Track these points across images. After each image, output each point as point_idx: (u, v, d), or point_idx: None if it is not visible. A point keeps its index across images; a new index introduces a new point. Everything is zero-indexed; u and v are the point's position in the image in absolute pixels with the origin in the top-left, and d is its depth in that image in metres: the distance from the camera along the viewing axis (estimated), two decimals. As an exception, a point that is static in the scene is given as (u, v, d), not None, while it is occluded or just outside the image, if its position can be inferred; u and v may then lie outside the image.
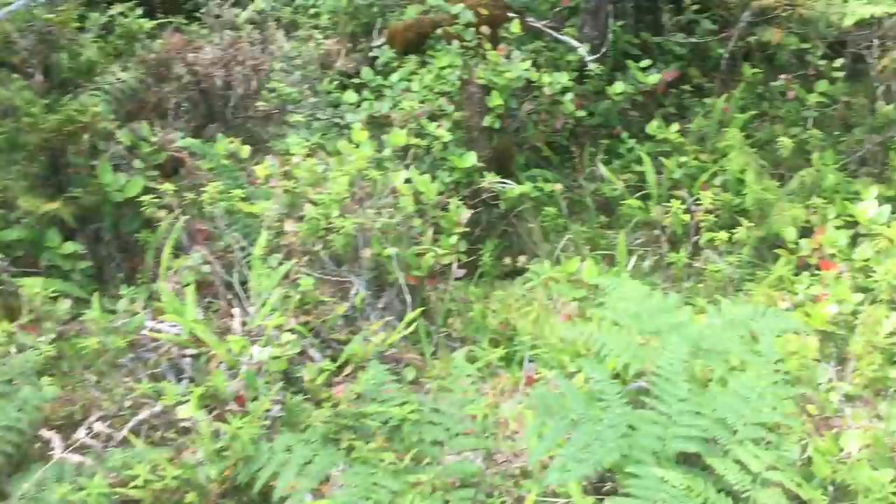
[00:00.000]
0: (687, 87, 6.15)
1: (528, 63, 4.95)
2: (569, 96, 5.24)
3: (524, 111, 5.26)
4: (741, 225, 4.90)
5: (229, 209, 3.58)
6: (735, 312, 2.89)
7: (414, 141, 4.33)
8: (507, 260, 5.33)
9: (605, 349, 2.58)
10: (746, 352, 2.67)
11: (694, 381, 2.52)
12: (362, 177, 3.56)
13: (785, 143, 4.66)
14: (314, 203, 3.40)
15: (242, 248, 3.54)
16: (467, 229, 5.18)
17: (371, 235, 3.60)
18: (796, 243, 4.18)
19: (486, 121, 4.92)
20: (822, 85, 5.50)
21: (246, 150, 3.91)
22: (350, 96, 5.64)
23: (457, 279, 3.90)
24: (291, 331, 3.15)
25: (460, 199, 4.90)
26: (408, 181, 3.89)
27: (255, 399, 2.78)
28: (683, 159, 5.41)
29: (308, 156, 3.66)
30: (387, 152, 4.04)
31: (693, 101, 6.36)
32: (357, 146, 3.75)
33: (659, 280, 5.13)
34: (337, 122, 5.58)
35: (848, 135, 5.46)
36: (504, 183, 5.18)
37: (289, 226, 3.46)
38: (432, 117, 5.21)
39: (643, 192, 5.54)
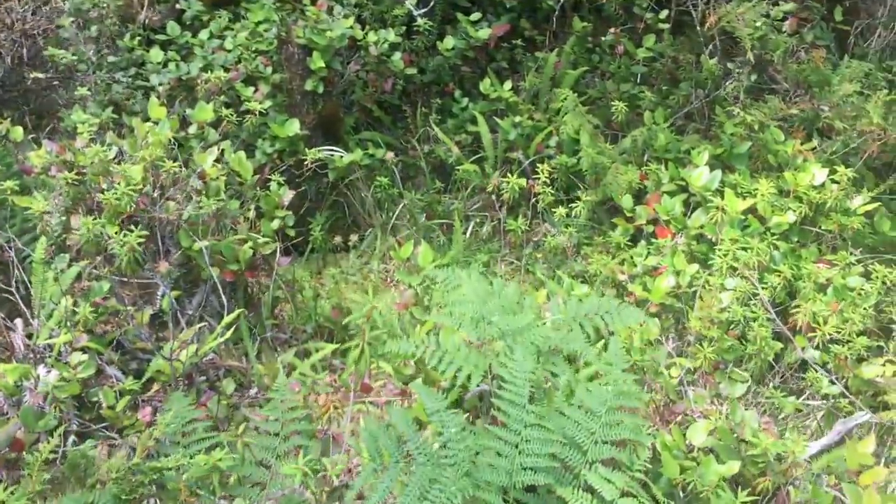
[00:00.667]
0: (519, 41, 5.89)
1: (352, 20, 4.52)
2: (397, 54, 4.87)
3: (350, 72, 4.83)
4: (578, 187, 4.77)
5: (1, 202, 3.01)
6: (579, 308, 2.67)
7: (226, 112, 3.85)
8: (340, 235, 5.01)
9: (443, 363, 2.30)
10: (593, 353, 2.47)
11: (540, 394, 2.29)
12: (158, 164, 3.07)
13: (618, 108, 4.50)
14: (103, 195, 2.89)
15: (21, 250, 2.99)
16: (296, 202, 4.83)
17: (177, 228, 3.13)
18: (633, 210, 4.06)
19: (309, 84, 4.49)
20: (649, 39, 5.39)
21: (18, 132, 3.31)
22: (156, 54, 5.02)
23: (286, 259, 3.50)
24: (83, 349, 2.67)
25: (283, 172, 4.50)
26: (218, 161, 3.44)
27: (35, 443, 2.32)
28: (518, 119, 5.18)
29: (92, 140, 3.12)
30: (193, 129, 3.54)
31: (526, 55, 6.13)
32: (156, 123, 3.24)
33: (497, 246, 4.95)
34: (143, 84, 4.97)
35: (676, 90, 5.39)
36: (333, 151, 4.79)
37: (75, 222, 2.94)
38: (248, 81, 4.72)
39: (479, 154, 5.30)
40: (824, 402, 3.26)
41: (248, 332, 3.39)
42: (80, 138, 3.13)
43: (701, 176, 3.82)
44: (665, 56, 5.52)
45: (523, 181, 4.86)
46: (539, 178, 4.18)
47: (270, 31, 4.55)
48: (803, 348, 3.41)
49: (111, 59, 5.18)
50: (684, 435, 2.63)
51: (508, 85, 5.35)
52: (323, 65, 4.41)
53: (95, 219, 2.83)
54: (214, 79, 4.38)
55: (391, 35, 4.87)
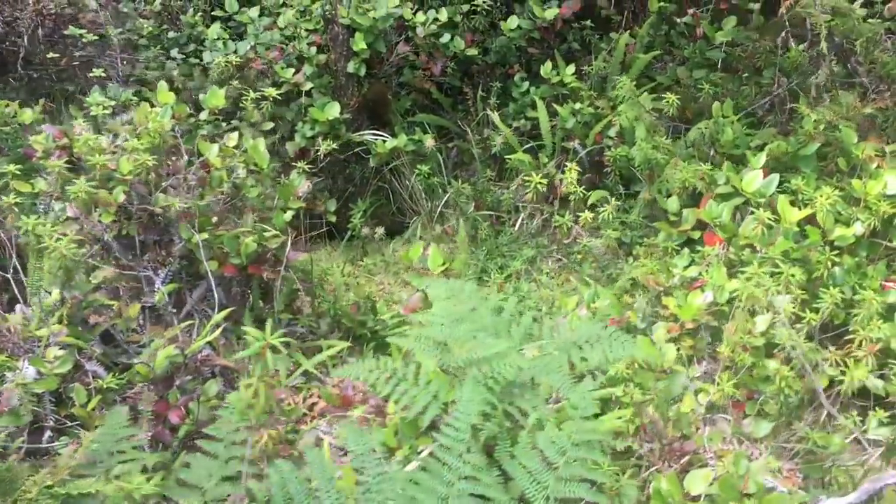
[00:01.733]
0: (589, 21, 5.50)
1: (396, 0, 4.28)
2: (447, 35, 4.60)
3: (399, 53, 4.60)
4: (639, 181, 4.41)
5: (3, 186, 2.95)
6: (574, 333, 2.38)
7: (269, 91, 3.70)
8: (383, 222, 4.83)
9: (396, 393, 2.07)
10: (573, 389, 2.18)
11: (503, 436, 2.03)
12: (158, 151, 2.94)
13: (670, 99, 4.10)
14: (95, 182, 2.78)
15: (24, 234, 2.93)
16: (342, 187, 4.67)
17: (181, 219, 3.00)
18: (678, 213, 3.68)
19: (351, 66, 4.30)
20: (729, 21, 4.91)
21: (27, 115, 3.25)
22: (213, 31, 4.94)
23: (297, 254, 3.34)
24: (62, 346, 2.58)
25: (328, 156, 4.34)
26: (237, 148, 3.29)
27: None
28: (578, 106, 4.83)
29: (95, 125, 3.02)
30: (204, 114, 3.41)
31: (600, 36, 5.72)
32: (164, 108, 3.12)
33: (546, 241, 4.66)
34: (197, 62, 4.89)
35: (758, 78, 4.90)
36: (377, 135, 4.59)
37: (71, 211, 2.85)
38: (297, 61, 4.56)
39: (538, 141, 4.99)
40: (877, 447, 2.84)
41: (252, 327, 3.24)
42: (80, 123, 3.04)
43: (754, 179, 3.41)
44: (750, 40, 5.02)
45: (573, 174, 4.54)
46: (565, 178, 3.85)
47: (319, 9, 4.36)
48: (863, 378, 3.00)
49: (171, 34, 5.12)
50: (682, 483, 2.32)
51: (571, 69, 4.98)
52: (365, 46, 4.20)
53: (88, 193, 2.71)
54: (258, 58, 4.25)
55: (443, 15, 4.60)
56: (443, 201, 4.66)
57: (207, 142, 3.21)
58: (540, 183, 4.46)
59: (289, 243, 3.34)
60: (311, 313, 3.61)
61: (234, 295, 3.42)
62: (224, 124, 3.60)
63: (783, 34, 3.78)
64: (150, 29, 5.04)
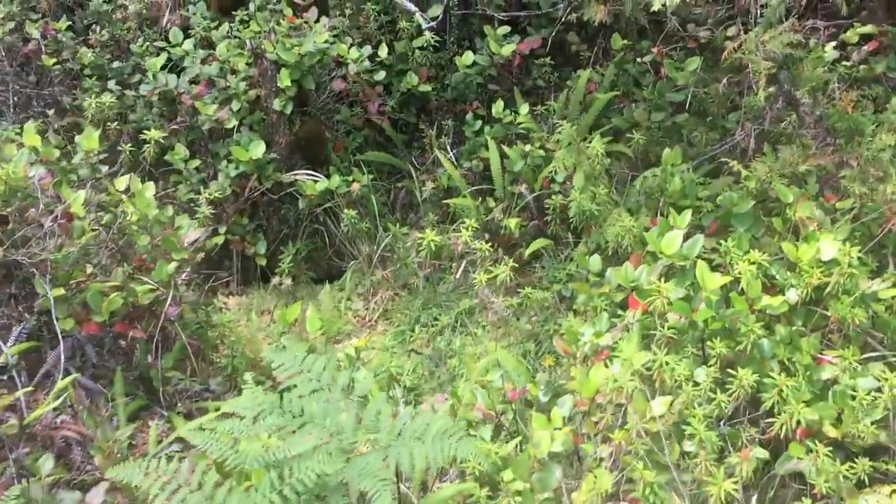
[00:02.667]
0: (549, 58, 5.23)
1: (327, 34, 4.04)
2: (381, 74, 4.37)
3: (332, 91, 4.37)
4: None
5: None
6: (410, 426, 2.10)
7: (153, 135, 3.48)
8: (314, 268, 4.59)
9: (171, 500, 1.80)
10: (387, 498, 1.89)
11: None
12: (10, 198, 2.73)
13: (620, 146, 3.82)
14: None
15: None
16: (276, 228, 4.44)
17: (40, 271, 2.78)
18: (599, 275, 3.38)
19: (277, 104, 4.07)
20: (692, 62, 4.60)
21: None
22: (158, 62, 4.76)
23: (175, 310, 3.09)
24: None
25: (259, 194, 4.13)
26: (126, 192, 3.08)
27: None
28: (528, 148, 4.55)
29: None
30: (77, 158, 3.20)
31: (570, 72, 5.45)
32: (19, 153, 2.90)
33: (488, 292, 4.37)
34: (135, 94, 4.71)
35: (723, 122, 4.59)
36: (310, 175, 4.36)
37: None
38: (228, 98, 4.35)
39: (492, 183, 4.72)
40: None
41: (122, 391, 3.01)
42: None
43: (674, 240, 3.10)
44: (716, 81, 4.70)
45: (514, 221, 4.27)
46: (461, 236, 3.57)
47: (252, 44, 4.15)
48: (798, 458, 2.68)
49: (115, 64, 4.96)
50: None
51: (525, 108, 4.71)
52: (290, 83, 3.97)
53: None
54: (187, 94, 4.07)
55: (382, 51, 4.37)
56: (380, 247, 4.39)
57: (76, 188, 3.00)
58: (474, 229, 4.19)
59: (170, 297, 3.09)
60: (205, 370, 3.36)
61: (112, 353, 3.18)
62: (105, 168, 3.39)
63: (727, 80, 3.45)
64: (92, 58, 4.87)
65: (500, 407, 3.04)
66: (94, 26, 5.38)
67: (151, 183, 3.28)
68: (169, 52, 4.77)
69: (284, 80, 3.98)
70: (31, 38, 4.94)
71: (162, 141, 4.08)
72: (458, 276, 4.43)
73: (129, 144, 3.73)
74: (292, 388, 2.29)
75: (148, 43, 5.05)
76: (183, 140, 4.51)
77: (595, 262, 3.38)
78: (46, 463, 2.56)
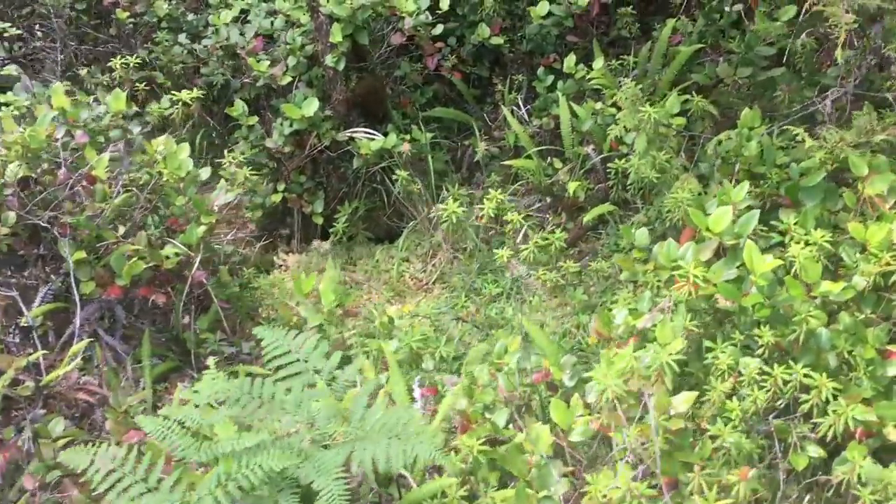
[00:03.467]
0: (631, 7, 4.86)
1: (383, -14, 3.87)
2: (440, 27, 4.17)
3: (390, 45, 4.21)
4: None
5: None
6: (376, 419, 1.97)
7: (181, 96, 3.44)
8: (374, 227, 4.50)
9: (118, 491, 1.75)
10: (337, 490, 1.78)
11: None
12: (35, 160, 2.74)
13: (696, 103, 3.51)
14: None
15: None
16: (335, 186, 4.37)
17: (65, 233, 2.80)
18: (644, 251, 3.12)
19: (329, 59, 3.94)
20: (788, 11, 4.14)
21: None
22: (226, 16, 4.73)
23: (203, 274, 3.08)
24: None
25: (318, 151, 4.07)
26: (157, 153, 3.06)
27: None
28: (599, 106, 4.26)
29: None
30: (106, 119, 3.18)
31: (658, 20, 5.06)
32: (42, 116, 2.90)
33: (545, 258, 4.15)
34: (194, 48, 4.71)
35: (821, 77, 4.14)
36: (368, 133, 4.24)
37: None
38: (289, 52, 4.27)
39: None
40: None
41: (148, 353, 3.02)
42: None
43: (722, 217, 2.79)
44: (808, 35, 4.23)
45: (579, 183, 4.03)
46: (483, 208, 3.34)
47: (309, -5, 4.04)
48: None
49: (190, 17, 4.97)
50: None
51: (600, 62, 4.39)
52: (341, 38, 3.83)
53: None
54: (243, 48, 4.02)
55: (444, 3, 4.16)
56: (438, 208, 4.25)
57: (98, 150, 2.98)
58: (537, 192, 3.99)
59: (196, 261, 3.07)
60: (241, 333, 3.35)
61: (146, 313, 3.21)
62: (138, 128, 3.37)
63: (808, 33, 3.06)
64: (167, 10, 4.88)
65: (524, 390, 2.87)
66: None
67: (186, 144, 3.23)
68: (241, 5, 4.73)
69: (336, 34, 3.85)
70: (109, -9, 4.98)
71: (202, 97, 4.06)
72: (518, 240, 4.22)
73: (197, 97, 3.70)
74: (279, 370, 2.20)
75: (224, -4, 5.01)
76: (247, 95, 4.47)
77: (642, 235, 3.12)
78: (57, 425, 2.58)
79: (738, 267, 2.80)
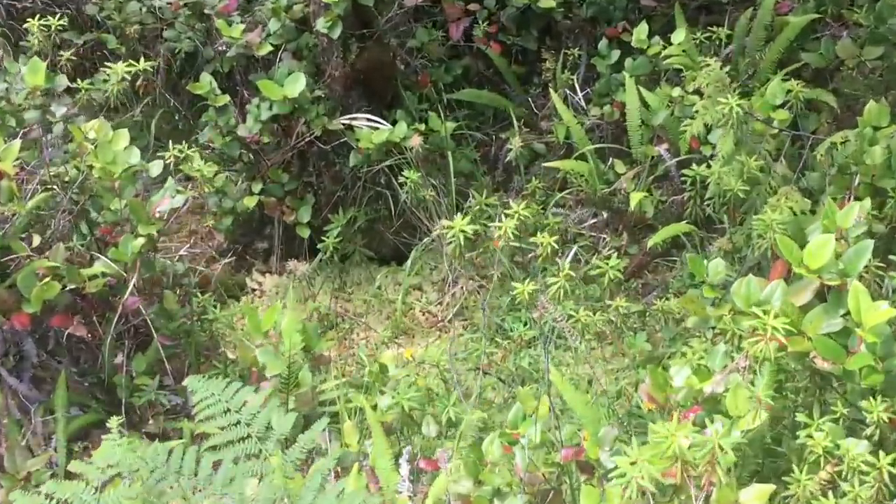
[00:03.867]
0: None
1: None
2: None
3: (403, 8, 4.20)
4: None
5: None
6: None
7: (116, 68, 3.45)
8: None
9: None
10: None
11: None
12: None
13: (794, 91, 3.43)
14: None
15: None
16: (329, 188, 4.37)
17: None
18: (717, 289, 3.03)
19: (321, 24, 3.94)
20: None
21: None
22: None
23: (135, 300, 3.08)
24: None
25: (294, 145, 4.09)
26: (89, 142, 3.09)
27: None
28: (677, 93, 4.19)
29: None
30: (20, 97, 3.21)
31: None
32: None
33: (596, 292, 4.10)
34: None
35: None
36: (373, 123, 4.22)
37: None
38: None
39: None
40: None
41: (64, 401, 3.03)
42: None
43: (822, 249, 2.69)
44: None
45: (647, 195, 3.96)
46: (501, 228, 3.27)
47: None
48: None
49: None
50: None
51: (681, 35, 4.30)
52: (338, -1, 3.83)
53: None
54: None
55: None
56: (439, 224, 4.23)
57: (7, 137, 3.00)
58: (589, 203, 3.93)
59: (131, 284, 3.06)
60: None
61: (67, 350, 3.22)
62: (63, 109, 3.37)
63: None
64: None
65: (549, 471, 2.80)
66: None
67: (124, 130, 3.23)
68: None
69: (325, -10, 3.85)
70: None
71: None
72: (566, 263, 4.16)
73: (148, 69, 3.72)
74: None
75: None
76: (219, 68, 4.49)
77: (716, 268, 3.03)
78: None
79: (842, 316, 2.70)
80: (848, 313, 2.69)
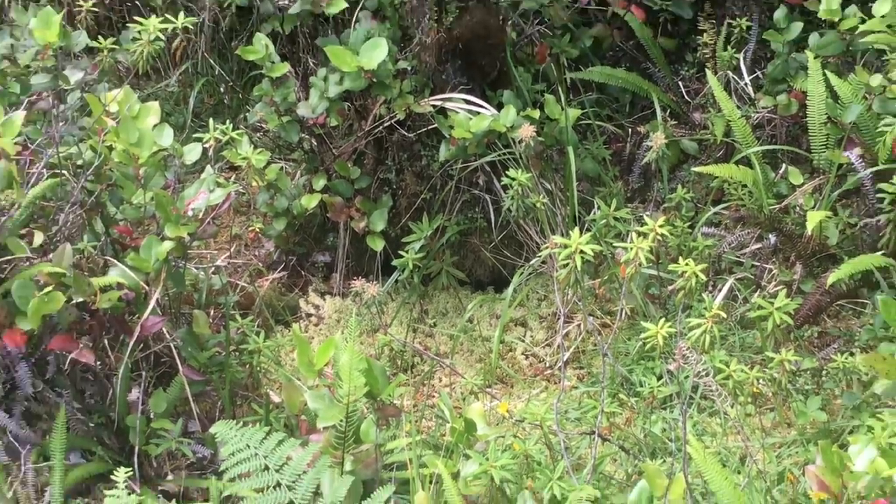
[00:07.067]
0: None
1: None
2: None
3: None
4: None
5: None
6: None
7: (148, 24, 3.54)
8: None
9: None
10: None
11: None
12: None
13: None
14: None
15: None
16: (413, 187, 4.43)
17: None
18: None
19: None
20: None
21: None
22: None
23: (157, 321, 3.16)
24: None
25: (370, 132, 4.16)
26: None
27: None
28: (877, 81, 4.16)
29: None
30: (25, 57, 3.32)
31: None
32: None
33: (761, 342, 4.07)
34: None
35: None
36: (473, 105, 4.27)
37: None
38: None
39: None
40: None
41: (62, 446, 3.12)
42: None
43: None
44: None
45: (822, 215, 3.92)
46: (632, 250, 3.25)
47: None
48: None
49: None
50: None
51: (887, 5, 4.26)
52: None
53: None
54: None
55: None
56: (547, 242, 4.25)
57: (7, 109, 3.10)
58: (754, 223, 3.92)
59: (153, 300, 3.15)
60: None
61: (71, 379, 3.32)
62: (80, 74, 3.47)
63: None
64: None
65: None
66: None
67: (155, 104, 3.32)
68: None
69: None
70: None
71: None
72: (717, 300, 4.14)
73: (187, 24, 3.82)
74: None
75: None
76: (278, 29, 4.59)
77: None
78: None
79: None
80: None
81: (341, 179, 4.39)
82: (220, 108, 4.96)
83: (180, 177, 3.57)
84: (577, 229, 3.52)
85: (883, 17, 4.17)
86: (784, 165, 4.38)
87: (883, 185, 3.81)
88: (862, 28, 4.19)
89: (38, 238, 3.20)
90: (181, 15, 3.79)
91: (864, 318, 4.09)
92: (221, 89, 4.99)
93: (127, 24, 4.09)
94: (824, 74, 4.31)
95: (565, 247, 3.38)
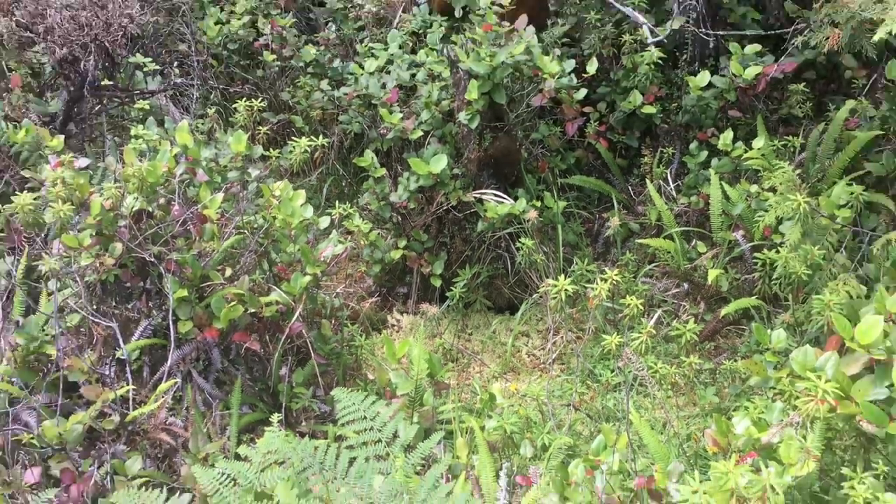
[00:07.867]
0: (803, 84, 4.70)
1: (523, 45, 3.91)
2: (582, 92, 4.15)
3: (530, 106, 4.24)
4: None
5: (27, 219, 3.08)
6: None
7: (300, 144, 3.56)
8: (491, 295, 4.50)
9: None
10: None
11: None
12: (150, 195, 2.92)
13: (853, 194, 3.32)
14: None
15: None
16: (459, 247, 4.40)
17: (164, 270, 2.96)
18: (779, 355, 2.94)
19: (463, 116, 4.02)
20: None
21: (55, 142, 3.37)
22: (370, 64, 4.94)
23: (300, 326, 3.16)
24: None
25: (436, 211, 4.15)
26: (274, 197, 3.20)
27: None
28: (754, 189, 4.12)
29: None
30: (225, 160, 3.34)
31: (837, 100, 4.88)
32: (162, 152, 3.09)
33: (677, 351, 4.01)
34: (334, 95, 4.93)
35: None
36: (499, 197, 4.26)
37: (56, 246, 2.93)
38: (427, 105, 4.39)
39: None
40: None
41: (238, 401, 3.12)
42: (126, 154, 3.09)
43: (871, 328, 2.59)
44: None
45: (720, 274, 3.87)
46: (597, 290, 3.22)
47: (444, 51, 4.17)
48: None
49: (336, 63, 5.20)
50: None
51: (760, 142, 4.24)
52: (477, 96, 3.90)
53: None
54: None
55: (592, 67, 4.17)
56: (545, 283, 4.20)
57: (214, 190, 3.13)
58: (674, 277, 3.87)
59: (297, 312, 3.15)
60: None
61: (244, 359, 3.32)
62: (256, 171, 3.52)
63: None
64: (314, 55, 5.12)
65: (625, 493, 2.74)
66: (329, 24, 5.69)
67: (302, 191, 3.35)
68: (381, 55, 4.92)
69: (472, 91, 3.92)
70: (262, 34, 5.30)
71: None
72: (651, 323, 4.09)
73: (323, 144, 3.85)
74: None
75: (371, 45, 5.24)
76: (380, 147, 4.62)
77: (779, 337, 2.94)
78: (135, 464, 2.69)
79: (888, 387, 2.59)
80: (893, 385, 2.59)
81: (416, 241, 4.39)
82: (341, 195, 4.99)
83: (316, 236, 3.58)
84: (562, 276, 3.51)
85: (759, 149, 4.15)
86: (694, 240, 4.33)
87: (757, 255, 3.75)
88: (745, 155, 4.16)
89: (228, 272, 3.23)
90: (320, 137, 3.83)
91: (744, 337, 4.03)
92: (343, 183, 5.02)
93: (287, 142, 4.16)
94: (720, 184, 4.28)
95: (555, 287, 3.37)
